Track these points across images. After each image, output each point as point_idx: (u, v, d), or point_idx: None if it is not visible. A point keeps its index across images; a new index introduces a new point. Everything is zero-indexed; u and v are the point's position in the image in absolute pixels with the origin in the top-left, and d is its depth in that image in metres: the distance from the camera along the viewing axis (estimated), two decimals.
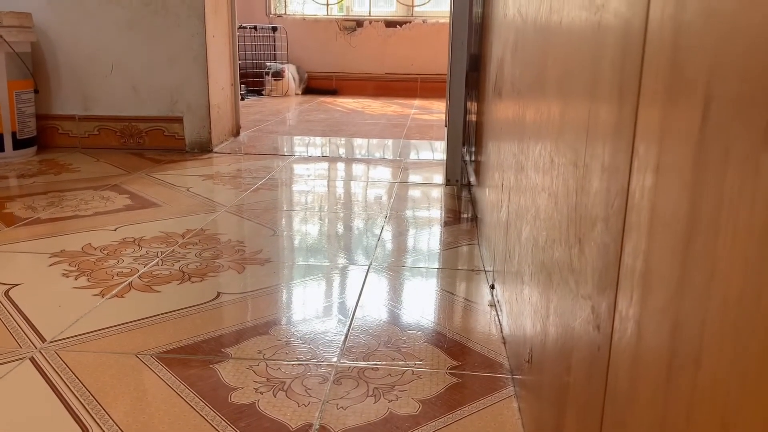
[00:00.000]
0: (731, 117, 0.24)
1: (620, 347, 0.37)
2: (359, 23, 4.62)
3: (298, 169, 2.06)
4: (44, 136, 2.31)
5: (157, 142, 2.31)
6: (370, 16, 4.65)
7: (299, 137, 2.72)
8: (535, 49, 0.73)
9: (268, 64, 4.43)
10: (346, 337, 0.91)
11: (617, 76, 0.40)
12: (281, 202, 1.64)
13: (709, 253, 0.26)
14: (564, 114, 0.55)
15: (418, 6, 4.61)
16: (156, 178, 1.87)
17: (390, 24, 4.60)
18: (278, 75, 4.38)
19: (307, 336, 0.91)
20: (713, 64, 0.26)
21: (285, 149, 2.42)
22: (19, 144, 2.12)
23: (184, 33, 2.22)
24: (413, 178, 1.96)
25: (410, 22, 4.58)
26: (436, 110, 3.76)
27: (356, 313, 0.98)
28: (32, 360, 0.82)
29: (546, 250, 0.60)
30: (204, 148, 2.30)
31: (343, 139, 2.68)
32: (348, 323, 0.95)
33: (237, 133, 2.59)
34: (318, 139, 2.66)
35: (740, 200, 0.23)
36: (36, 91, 2.20)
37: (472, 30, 1.77)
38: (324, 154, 2.33)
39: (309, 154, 2.32)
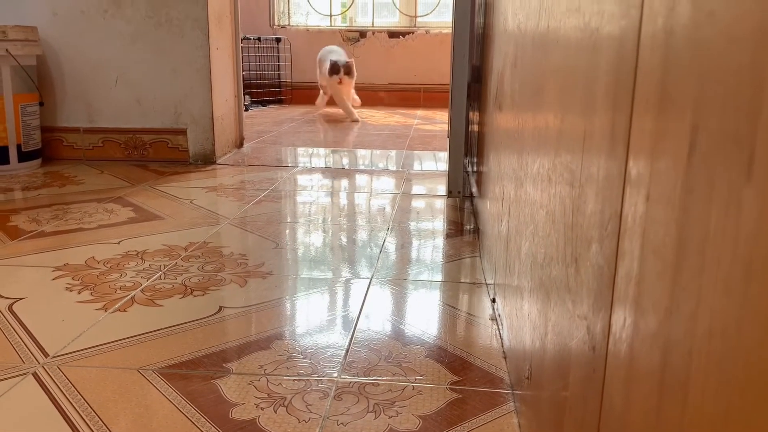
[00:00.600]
0: (717, 149, 0.25)
1: (614, 367, 0.38)
2: (362, 34, 4.64)
3: (302, 180, 2.06)
4: (49, 149, 2.32)
5: (161, 154, 2.32)
6: (373, 26, 4.67)
7: (302, 148, 2.73)
8: (533, 65, 0.73)
9: (331, 58, 3.68)
10: (347, 351, 0.91)
11: (610, 99, 0.40)
12: (284, 214, 1.65)
13: (695, 283, 0.26)
14: (560, 133, 0.55)
15: (420, 17, 4.63)
16: (160, 191, 1.88)
17: (393, 35, 4.61)
18: (335, 70, 3.56)
19: (309, 351, 0.91)
20: (699, 96, 0.27)
21: (288, 160, 2.43)
22: (24, 156, 2.13)
23: (187, 45, 2.23)
24: (416, 189, 1.97)
25: (413, 33, 4.59)
26: (439, 120, 3.76)
27: (358, 327, 0.99)
28: (35, 375, 0.83)
29: (544, 267, 0.61)
30: (208, 159, 2.31)
31: (346, 149, 2.69)
32: (349, 338, 0.95)
33: (240, 145, 2.60)
34: (321, 150, 2.67)
35: (724, 232, 0.24)
36: (41, 104, 2.21)
37: (474, 40, 1.77)
38: (327, 165, 2.33)
39: (312, 165, 2.32)
